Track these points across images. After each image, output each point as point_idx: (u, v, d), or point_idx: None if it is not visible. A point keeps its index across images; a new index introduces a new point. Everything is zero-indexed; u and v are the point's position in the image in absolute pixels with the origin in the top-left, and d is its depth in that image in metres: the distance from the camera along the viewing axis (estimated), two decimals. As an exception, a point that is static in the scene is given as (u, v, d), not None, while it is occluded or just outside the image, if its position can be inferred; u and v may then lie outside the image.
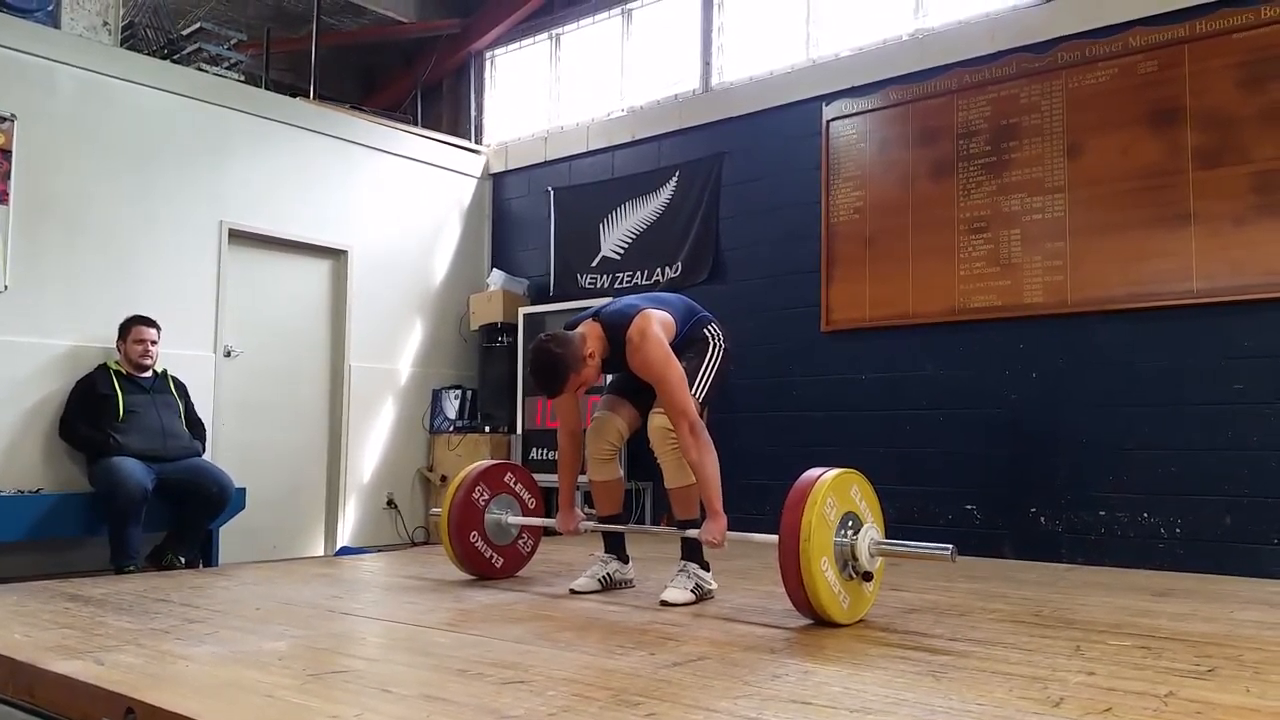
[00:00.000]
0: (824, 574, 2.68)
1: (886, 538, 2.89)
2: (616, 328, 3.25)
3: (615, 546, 3.54)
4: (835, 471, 2.81)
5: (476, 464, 3.86)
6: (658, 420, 3.22)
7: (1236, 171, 4.32)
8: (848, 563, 2.78)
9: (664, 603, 3.13)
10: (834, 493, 2.76)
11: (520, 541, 3.84)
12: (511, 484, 3.82)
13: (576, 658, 2.35)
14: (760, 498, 5.05)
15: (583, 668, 2.23)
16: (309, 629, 2.73)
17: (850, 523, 2.81)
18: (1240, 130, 4.32)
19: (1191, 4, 4.47)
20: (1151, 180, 4.52)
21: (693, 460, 3.11)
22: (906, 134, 5.28)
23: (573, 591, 3.38)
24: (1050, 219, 4.78)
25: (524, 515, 3.80)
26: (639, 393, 3.37)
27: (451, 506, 3.63)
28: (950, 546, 2.72)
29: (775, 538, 2.75)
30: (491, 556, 3.72)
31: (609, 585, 3.46)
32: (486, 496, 3.71)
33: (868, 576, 2.81)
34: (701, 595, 3.23)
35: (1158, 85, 4.54)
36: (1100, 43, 4.71)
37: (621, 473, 3.55)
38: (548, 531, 3.83)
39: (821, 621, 2.75)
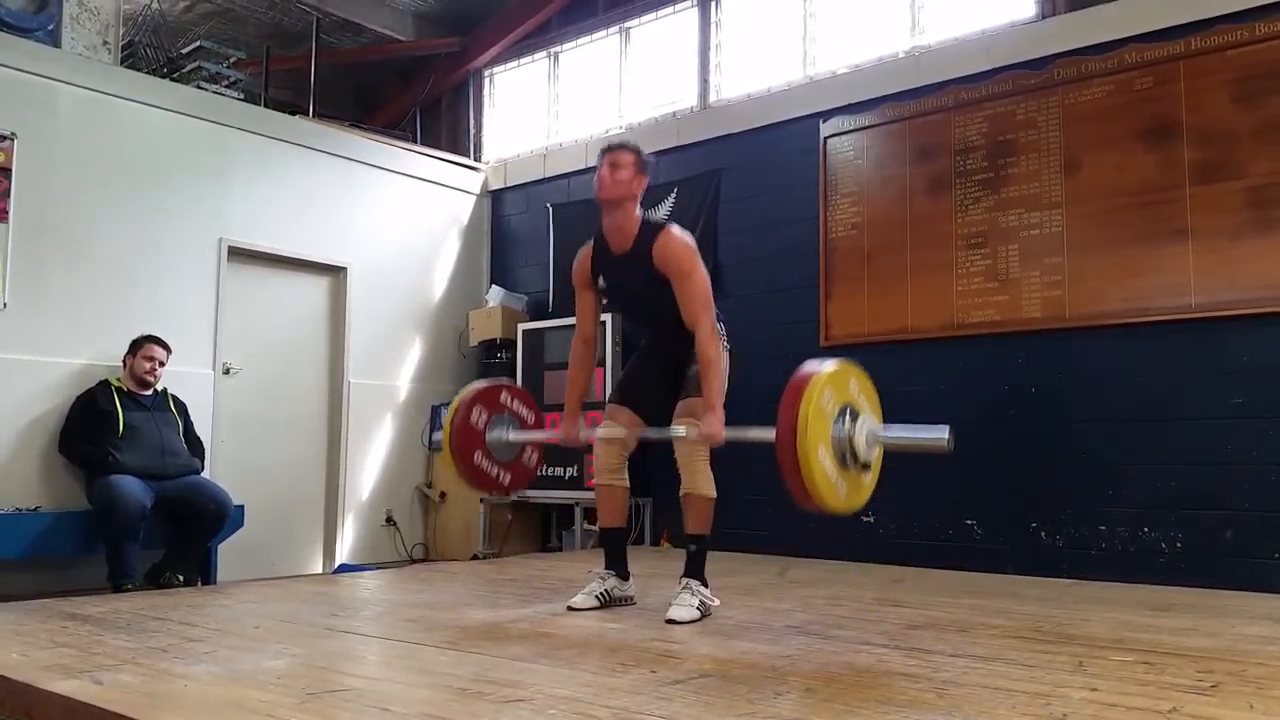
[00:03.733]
0: (821, 463, 2.61)
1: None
2: (648, 225, 3.37)
3: (615, 562, 3.52)
4: (833, 363, 2.75)
5: (471, 385, 3.74)
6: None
7: (1232, 187, 4.34)
8: (845, 453, 2.72)
9: (670, 621, 3.11)
10: (832, 385, 2.69)
11: (525, 455, 3.77)
12: (509, 403, 3.73)
13: (577, 676, 2.34)
14: (757, 512, 5.05)
15: (583, 686, 2.22)
16: (308, 647, 2.72)
17: (848, 413, 2.75)
18: (1236, 146, 4.34)
19: (1187, 20, 4.49)
20: (1148, 196, 4.54)
21: (710, 355, 3.20)
22: (904, 150, 5.30)
23: (571, 609, 3.37)
24: (1048, 234, 4.79)
25: (524, 430, 3.73)
26: (643, 398, 3.40)
27: (452, 432, 3.55)
28: (945, 428, 2.67)
29: (772, 431, 2.66)
30: (498, 474, 3.65)
31: (608, 602, 3.44)
32: (485, 417, 3.63)
33: (865, 466, 2.78)
34: (704, 613, 3.22)
35: (1154, 101, 4.57)
36: (1096, 59, 4.73)
37: (628, 482, 3.54)
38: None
39: (820, 512, 2.67)
